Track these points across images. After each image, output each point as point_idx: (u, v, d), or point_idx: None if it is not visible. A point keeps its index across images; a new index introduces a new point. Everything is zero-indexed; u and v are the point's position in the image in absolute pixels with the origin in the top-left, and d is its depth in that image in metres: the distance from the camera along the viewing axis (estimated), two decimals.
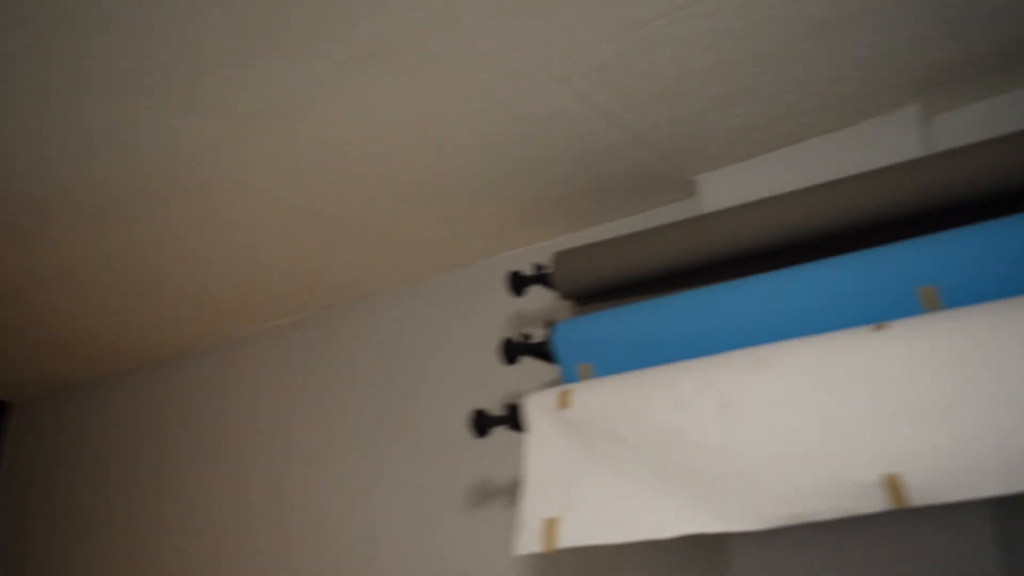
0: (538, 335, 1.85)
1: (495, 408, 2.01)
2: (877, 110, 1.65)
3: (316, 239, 2.14)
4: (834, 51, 1.49)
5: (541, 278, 1.84)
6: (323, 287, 2.41)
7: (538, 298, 2.11)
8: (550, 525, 1.50)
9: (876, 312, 1.41)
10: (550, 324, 1.77)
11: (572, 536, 1.47)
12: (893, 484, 1.23)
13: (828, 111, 1.65)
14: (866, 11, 1.39)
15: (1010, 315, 1.24)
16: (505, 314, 2.17)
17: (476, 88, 1.56)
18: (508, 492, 2.02)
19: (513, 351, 1.78)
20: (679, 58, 1.49)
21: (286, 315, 2.59)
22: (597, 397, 1.56)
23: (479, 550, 2.02)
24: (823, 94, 1.60)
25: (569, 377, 1.71)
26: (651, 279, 1.75)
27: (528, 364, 1.91)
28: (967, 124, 1.64)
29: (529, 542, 1.51)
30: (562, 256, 1.81)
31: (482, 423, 1.74)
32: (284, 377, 2.57)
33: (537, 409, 1.62)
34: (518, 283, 1.86)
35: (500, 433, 1.88)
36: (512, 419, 1.72)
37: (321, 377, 2.48)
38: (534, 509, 1.53)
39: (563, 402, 1.59)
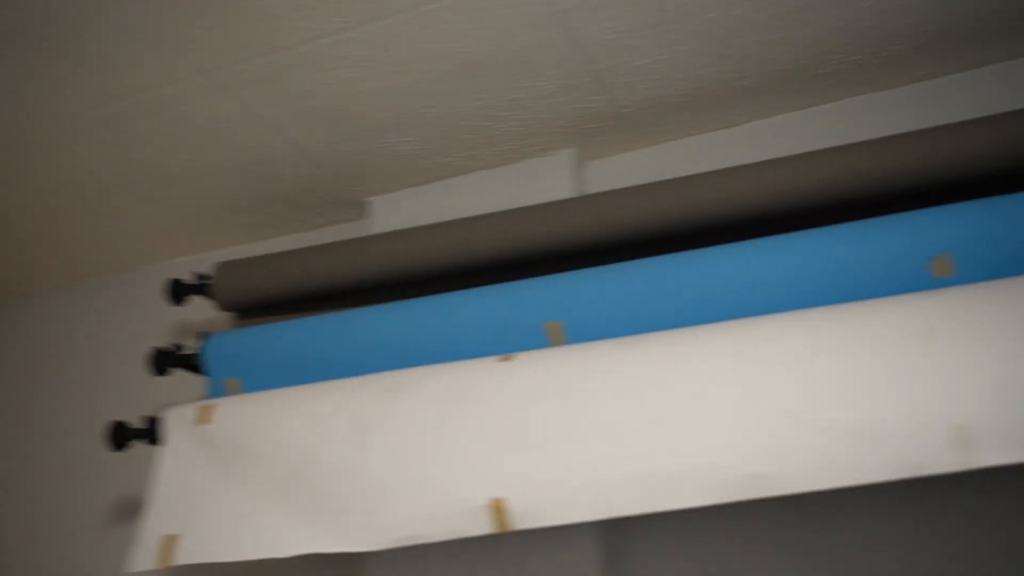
0: (191, 347, 1.79)
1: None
2: (536, 151, 1.73)
3: None
4: (491, 91, 1.54)
5: (201, 288, 1.78)
6: None
7: (205, 309, 2.04)
8: (169, 542, 1.44)
9: (505, 343, 1.47)
10: (204, 336, 1.71)
11: (189, 554, 1.42)
12: (498, 509, 1.27)
13: (489, 147, 1.71)
14: (517, 56, 1.46)
15: (623, 356, 1.33)
16: (171, 323, 2.08)
17: (130, 87, 1.49)
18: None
19: (162, 362, 1.71)
20: (342, 80, 1.50)
21: None
22: (238, 413, 1.52)
23: (118, 568, 1.91)
24: (483, 131, 1.66)
25: (216, 392, 1.66)
26: (312, 297, 1.74)
27: (191, 377, 1.84)
28: (618, 171, 1.76)
29: (144, 559, 1.44)
30: (223, 267, 1.76)
31: (119, 436, 1.65)
32: None
33: (175, 423, 1.56)
34: (178, 291, 1.79)
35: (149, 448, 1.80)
36: (152, 433, 1.64)
37: None
38: (155, 525, 1.47)
39: (203, 417, 1.54)
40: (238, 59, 1.44)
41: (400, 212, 1.84)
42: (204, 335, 1.71)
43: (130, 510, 1.97)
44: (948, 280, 1.27)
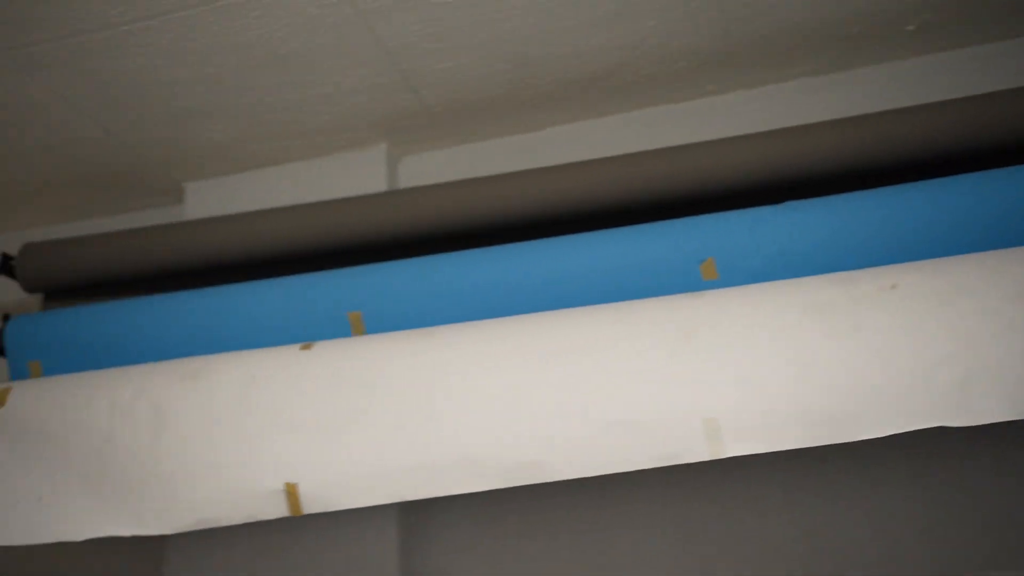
0: None
1: None
2: (348, 145, 1.79)
3: None
4: (300, 84, 1.59)
5: (6, 268, 1.75)
6: None
7: (14, 290, 2.00)
8: None
9: (310, 332, 1.52)
10: (7, 318, 1.69)
11: None
12: (291, 492, 1.33)
13: (302, 139, 1.75)
14: (323, 52, 1.51)
15: (417, 347, 1.38)
16: None
17: None
18: None
19: None
20: (146, 66, 1.51)
21: None
22: (36, 396, 1.52)
23: None
24: (295, 123, 1.70)
25: (18, 374, 1.65)
26: (120, 281, 1.74)
27: None
28: (429, 168, 1.83)
29: None
30: (29, 248, 1.74)
31: None
32: None
33: None
34: None
35: None
36: None
37: None
38: None
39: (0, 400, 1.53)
40: (44, 39, 1.44)
41: (214, 199, 1.85)
42: (6, 316, 1.69)
43: None
44: (713, 283, 1.39)
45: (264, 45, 1.48)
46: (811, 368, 1.19)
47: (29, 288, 1.75)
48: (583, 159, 1.60)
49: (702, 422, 1.20)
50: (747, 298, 1.28)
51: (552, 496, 1.57)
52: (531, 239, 1.52)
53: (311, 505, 1.32)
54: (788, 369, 1.20)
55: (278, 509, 1.33)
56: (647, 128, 1.72)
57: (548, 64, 1.58)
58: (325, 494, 1.32)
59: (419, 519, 1.63)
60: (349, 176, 1.79)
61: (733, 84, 1.68)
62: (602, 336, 1.28)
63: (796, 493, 1.47)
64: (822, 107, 1.62)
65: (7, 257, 1.76)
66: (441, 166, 1.82)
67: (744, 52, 1.58)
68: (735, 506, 1.51)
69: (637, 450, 1.22)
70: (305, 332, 1.52)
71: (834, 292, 1.23)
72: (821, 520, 1.45)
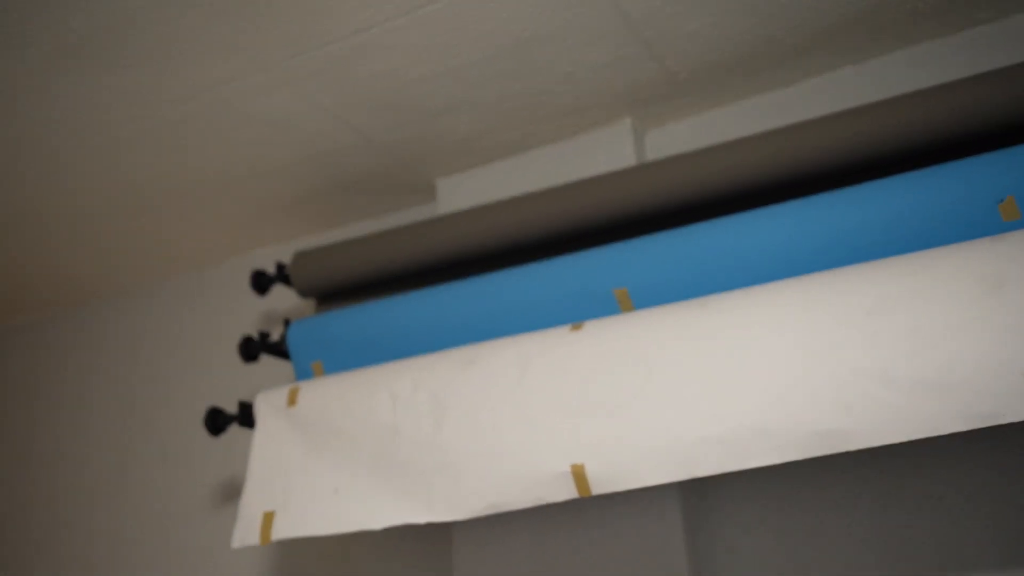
0: (276, 334, 1.87)
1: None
2: (593, 123, 1.76)
3: (55, 238, 2.08)
4: (542, 67, 1.58)
5: (283, 277, 1.86)
6: (67, 285, 2.35)
7: (287, 298, 2.12)
8: (267, 518, 1.53)
9: (577, 312, 1.51)
10: (288, 323, 1.79)
11: (286, 528, 1.50)
12: (577, 474, 1.32)
13: (547, 123, 1.75)
14: (565, 29, 1.49)
15: (690, 318, 1.35)
16: (257, 313, 2.17)
17: (193, 88, 1.57)
18: None
19: (251, 349, 1.79)
20: (396, 67, 1.55)
21: (29, 313, 2.50)
22: (322, 394, 1.60)
23: (226, 548, 2.01)
24: (539, 107, 1.69)
25: (303, 374, 1.74)
26: (388, 279, 1.80)
27: (279, 363, 1.92)
28: (676, 139, 1.78)
29: (246, 535, 1.53)
30: (300, 256, 1.84)
31: (216, 421, 1.75)
32: (27, 377, 2.47)
33: (265, 406, 1.64)
34: (261, 282, 1.87)
35: (248, 432, 1.89)
36: (246, 417, 1.73)
37: (65, 378, 2.41)
38: (252, 503, 1.56)
39: (291, 399, 1.62)
40: (294, 53, 1.50)
41: (465, 192, 1.89)
42: (287, 321, 1.78)
43: (232, 491, 2.07)
44: (1016, 224, 1.26)
45: (505, 31, 1.48)
46: None
47: (303, 293, 1.85)
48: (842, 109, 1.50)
49: (1021, 376, 1.09)
50: None
51: (847, 468, 1.48)
52: (794, 198, 1.45)
53: (599, 486, 1.30)
54: None
55: (566, 491, 1.32)
56: (917, 68, 1.59)
57: (801, 11, 1.49)
58: (612, 474, 1.30)
59: (701, 499, 1.58)
60: (596, 155, 1.77)
61: (1010, 8, 1.52)
62: (897, 292, 1.19)
63: None
64: None
65: (281, 266, 1.86)
66: (688, 136, 1.77)
67: None
68: None
69: (946, 412, 1.12)
70: (573, 313, 1.51)
71: None
72: None
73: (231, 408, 2.02)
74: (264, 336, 1.80)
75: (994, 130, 1.35)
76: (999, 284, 1.13)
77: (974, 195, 1.27)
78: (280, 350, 1.79)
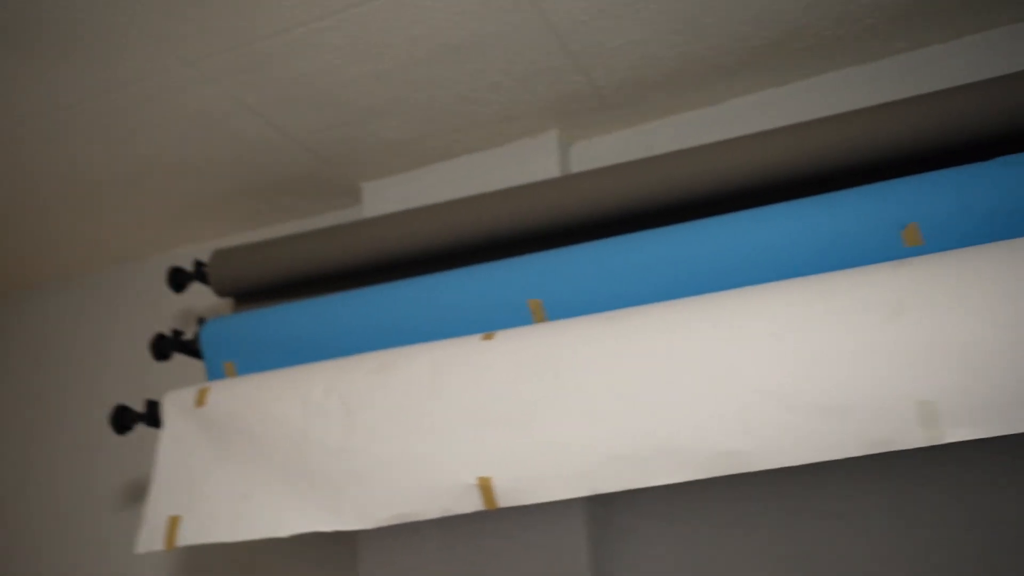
0: (191, 332, 1.84)
1: None
2: (520, 133, 1.76)
3: None
4: (470, 74, 1.57)
5: (201, 275, 1.83)
6: None
7: (206, 297, 2.08)
8: (172, 523, 1.49)
9: (491, 321, 1.50)
10: (202, 321, 1.76)
11: (191, 535, 1.47)
12: (485, 487, 1.31)
13: (474, 131, 1.74)
14: (493, 39, 1.48)
15: (600, 332, 1.35)
16: (175, 311, 2.13)
17: (119, 79, 1.53)
18: None
19: (163, 347, 1.76)
20: (323, 68, 1.53)
21: None
22: (232, 395, 1.57)
23: (130, 550, 1.97)
24: (466, 114, 1.69)
25: (215, 374, 1.71)
26: (307, 281, 1.78)
27: (194, 364, 1.89)
28: (601, 152, 1.79)
29: (151, 541, 1.50)
30: (219, 254, 1.81)
31: (122, 419, 1.71)
32: None
33: (172, 406, 1.61)
34: (177, 279, 1.84)
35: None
36: (153, 416, 1.69)
37: None
38: (158, 507, 1.52)
39: (200, 400, 1.59)
40: (220, 49, 1.48)
41: (390, 197, 1.88)
42: (201, 320, 1.75)
43: (139, 492, 2.02)
44: (918, 249, 1.29)
45: (434, 37, 1.48)
46: None
47: (220, 292, 1.82)
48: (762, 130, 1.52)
49: (916, 404, 1.11)
50: (958, 265, 1.18)
51: (752, 486, 1.50)
52: (712, 215, 1.46)
53: (506, 499, 1.30)
54: (1012, 343, 1.09)
55: (473, 503, 1.32)
56: (832, 93, 1.62)
57: (727, 33, 1.50)
58: (519, 487, 1.29)
59: (608, 511, 1.59)
60: (521, 165, 1.77)
61: (926, 39, 1.56)
62: (801, 316, 1.20)
63: None
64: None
65: (199, 264, 1.83)
66: (613, 149, 1.78)
67: (938, 4, 1.46)
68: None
69: (844, 437, 1.14)
70: (488, 322, 1.51)
71: None
72: None
73: (141, 407, 1.97)
74: (177, 334, 1.77)
75: (903, 157, 1.38)
76: (898, 311, 1.15)
77: (879, 220, 1.29)
78: (193, 349, 1.76)
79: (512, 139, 1.79)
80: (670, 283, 1.41)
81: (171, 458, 1.56)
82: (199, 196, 1.96)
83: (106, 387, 2.15)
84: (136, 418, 1.71)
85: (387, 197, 1.88)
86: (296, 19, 1.42)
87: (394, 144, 1.77)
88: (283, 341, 1.65)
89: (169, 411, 1.60)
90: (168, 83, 1.56)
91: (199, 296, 2.08)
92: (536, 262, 1.50)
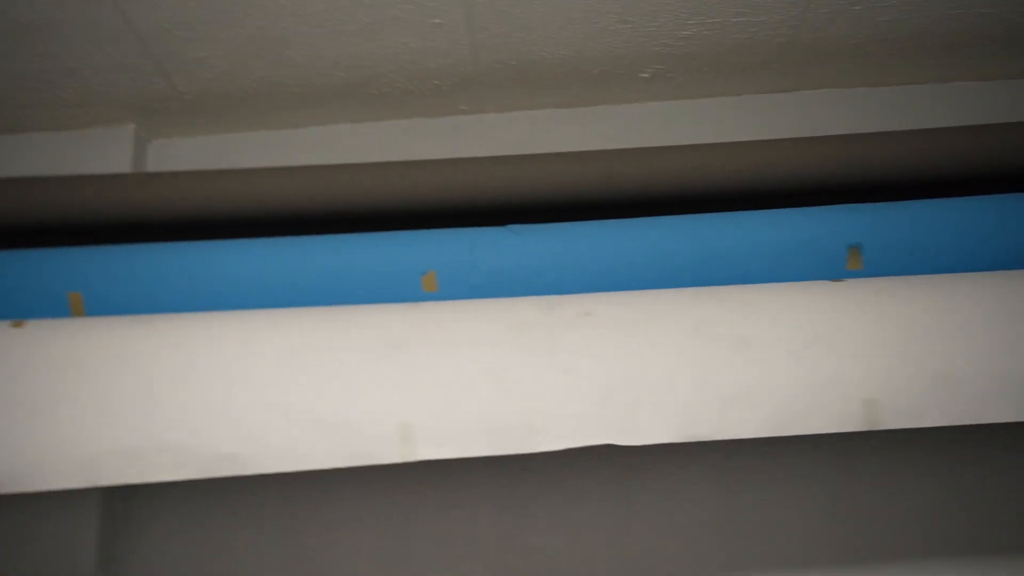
0: None
1: None
2: (94, 121, 1.75)
3: None
4: (41, 55, 1.55)
5: None
6: None
7: None
8: None
9: (26, 310, 1.47)
10: None
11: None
12: None
13: (45, 110, 1.71)
14: (70, 27, 1.48)
15: (129, 330, 1.37)
16: None
17: None
18: None
19: None
20: None
21: None
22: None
23: None
24: (37, 92, 1.65)
25: None
26: None
27: None
28: (181, 153, 1.81)
29: None
30: None
31: None
32: None
33: None
34: None
35: None
36: None
37: None
38: None
39: None
40: None
41: None
42: None
43: None
44: (433, 295, 1.46)
45: (5, 10, 1.43)
46: (506, 382, 1.28)
47: None
48: (334, 162, 1.63)
49: (398, 425, 1.27)
50: (459, 313, 1.36)
51: (257, 488, 1.60)
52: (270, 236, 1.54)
53: (6, 486, 1.29)
54: (485, 382, 1.28)
55: None
56: (401, 137, 1.78)
57: (307, 67, 1.60)
58: (21, 474, 1.29)
59: (127, 507, 1.62)
60: (95, 152, 1.76)
61: (484, 106, 1.76)
62: (314, 338, 1.32)
63: None
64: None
65: None
66: (193, 152, 1.81)
67: (505, 74, 1.66)
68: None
69: (333, 449, 1.27)
70: (22, 309, 1.48)
71: (537, 313, 1.33)
72: None
73: None
74: None
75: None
76: (401, 342, 1.31)
77: (400, 264, 1.45)
78: None
79: (86, 125, 1.76)
80: (217, 295, 1.47)
81: None
82: None
83: None
84: None
85: None
86: None
87: None
88: None
89: None
90: None
91: None
92: (84, 255, 1.49)
